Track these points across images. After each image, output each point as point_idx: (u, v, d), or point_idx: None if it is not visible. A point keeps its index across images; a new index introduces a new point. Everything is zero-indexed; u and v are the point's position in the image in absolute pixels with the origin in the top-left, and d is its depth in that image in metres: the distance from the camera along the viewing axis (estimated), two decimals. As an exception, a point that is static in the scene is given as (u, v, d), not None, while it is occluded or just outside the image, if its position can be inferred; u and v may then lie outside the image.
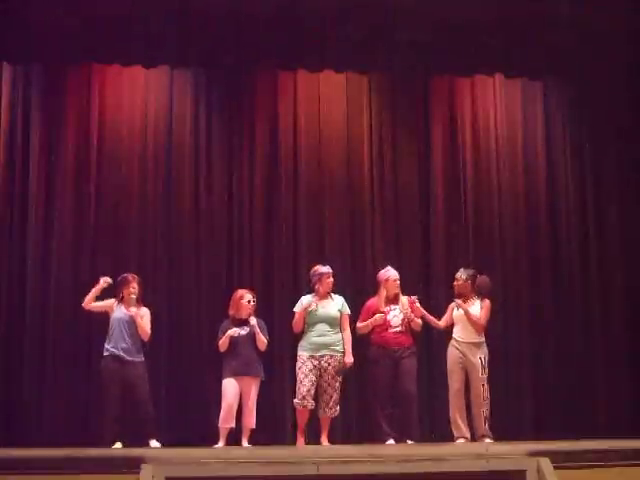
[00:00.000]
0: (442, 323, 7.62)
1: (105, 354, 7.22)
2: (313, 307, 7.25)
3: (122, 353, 7.18)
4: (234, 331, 7.22)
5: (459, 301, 7.49)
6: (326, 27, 8.41)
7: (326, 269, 7.42)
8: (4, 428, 7.72)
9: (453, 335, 7.53)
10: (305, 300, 7.37)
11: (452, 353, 7.48)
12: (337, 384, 7.26)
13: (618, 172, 9.09)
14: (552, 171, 9.17)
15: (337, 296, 7.47)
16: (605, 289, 8.94)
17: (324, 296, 7.38)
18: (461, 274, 7.61)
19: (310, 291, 7.47)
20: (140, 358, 7.27)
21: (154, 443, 7.07)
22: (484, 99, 9.21)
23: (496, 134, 9.14)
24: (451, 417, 7.43)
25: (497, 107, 9.18)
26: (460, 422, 7.36)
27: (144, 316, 7.35)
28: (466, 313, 7.43)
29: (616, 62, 8.85)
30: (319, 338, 7.26)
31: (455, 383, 7.44)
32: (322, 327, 7.27)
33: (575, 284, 8.94)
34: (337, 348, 7.28)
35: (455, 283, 7.61)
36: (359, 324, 7.50)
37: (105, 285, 7.30)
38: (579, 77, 8.95)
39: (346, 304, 7.44)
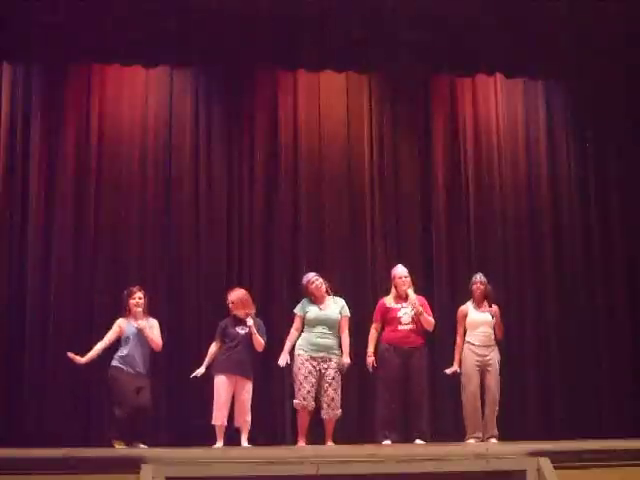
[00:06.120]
0: (460, 338, 7.63)
1: (115, 363, 7.20)
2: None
3: (134, 365, 7.19)
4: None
5: (495, 307, 7.62)
6: (326, 27, 8.42)
7: (308, 277, 7.46)
8: (4, 428, 7.70)
9: (468, 339, 7.57)
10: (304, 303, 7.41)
11: (470, 356, 7.53)
12: (337, 384, 7.25)
13: (620, 170, 9.10)
14: (554, 170, 9.17)
15: (339, 298, 7.48)
16: (609, 287, 8.95)
17: (321, 300, 7.38)
18: (481, 278, 7.68)
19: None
20: (147, 368, 7.30)
21: (142, 447, 7.03)
22: (485, 99, 9.20)
23: (497, 134, 9.14)
24: (466, 417, 7.48)
25: (498, 107, 9.17)
26: (476, 422, 7.41)
27: (153, 327, 7.36)
28: (497, 318, 7.59)
29: (616, 61, 8.85)
30: (320, 340, 7.27)
31: (472, 386, 7.48)
32: (322, 329, 7.28)
33: (579, 283, 8.93)
34: (336, 351, 7.30)
35: (480, 287, 7.64)
36: (372, 329, 7.49)
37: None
38: (579, 76, 8.96)
39: (346, 306, 7.45)
